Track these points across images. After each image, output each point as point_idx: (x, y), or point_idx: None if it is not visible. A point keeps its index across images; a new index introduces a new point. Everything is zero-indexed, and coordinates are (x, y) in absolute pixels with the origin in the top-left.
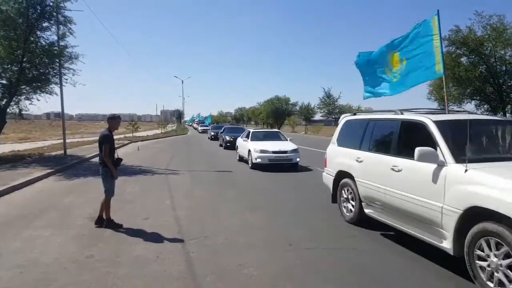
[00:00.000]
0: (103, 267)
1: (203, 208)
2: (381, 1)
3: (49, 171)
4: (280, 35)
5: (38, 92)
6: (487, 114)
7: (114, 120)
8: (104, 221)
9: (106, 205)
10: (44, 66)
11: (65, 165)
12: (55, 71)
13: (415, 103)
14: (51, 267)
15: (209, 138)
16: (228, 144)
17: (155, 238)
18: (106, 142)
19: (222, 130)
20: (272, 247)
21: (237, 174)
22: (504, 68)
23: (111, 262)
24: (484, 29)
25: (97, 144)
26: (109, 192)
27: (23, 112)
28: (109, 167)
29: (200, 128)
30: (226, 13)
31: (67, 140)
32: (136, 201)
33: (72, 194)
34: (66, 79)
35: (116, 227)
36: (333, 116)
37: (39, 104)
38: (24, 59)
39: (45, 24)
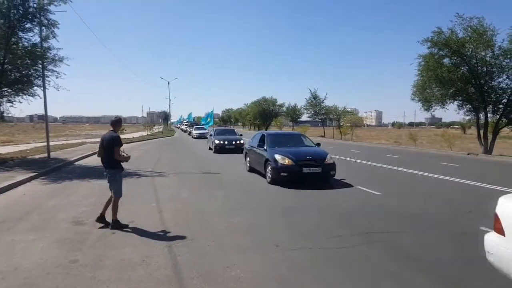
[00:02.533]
0: (87, 272)
1: (189, 209)
2: (369, 4)
3: (32, 174)
4: (268, 36)
5: (21, 94)
6: (469, 114)
7: (119, 123)
8: (104, 219)
9: (114, 207)
10: (26, 67)
11: (48, 168)
12: (38, 73)
13: (403, 102)
14: (34, 272)
15: (211, 148)
16: (284, 174)
17: (141, 241)
18: (118, 143)
19: (260, 141)
20: (259, 248)
21: None
22: (485, 69)
23: (96, 266)
24: (465, 31)
25: (81, 147)
26: (118, 192)
27: (5, 114)
28: (117, 168)
29: (195, 132)
30: (214, 15)
31: (51, 143)
32: (121, 204)
33: (55, 197)
34: (49, 82)
35: (123, 227)
36: (319, 117)
37: (22, 107)
38: (6, 61)
39: (28, 25)
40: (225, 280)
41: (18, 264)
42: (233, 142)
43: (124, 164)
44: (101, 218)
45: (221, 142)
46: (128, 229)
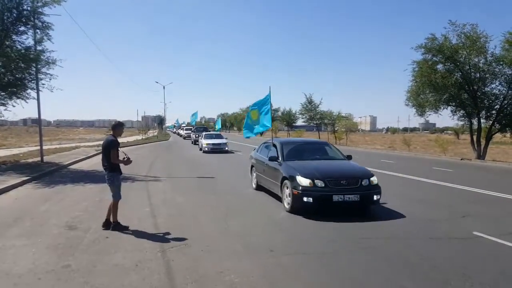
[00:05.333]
0: (79, 277)
1: (183, 215)
2: (371, 6)
3: (24, 178)
4: (262, 42)
5: (14, 97)
6: (463, 120)
7: (118, 127)
8: (111, 224)
9: (113, 209)
10: (20, 71)
11: (41, 173)
12: (31, 76)
13: (398, 108)
14: (25, 278)
15: (260, 186)
16: None
17: (134, 246)
18: (114, 147)
19: None
20: (253, 253)
21: None
22: (478, 75)
23: (88, 271)
24: (459, 37)
25: (75, 151)
26: (116, 195)
27: None
28: (115, 171)
29: (207, 143)
30: (208, 18)
31: (45, 147)
32: None
33: (48, 202)
34: (43, 84)
35: (123, 229)
36: (315, 122)
37: (15, 110)
38: None
39: (22, 28)
40: (219, 285)
41: (9, 269)
42: (354, 189)
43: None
44: (107, 223)
45: (321, 184)
46: (126, 232)
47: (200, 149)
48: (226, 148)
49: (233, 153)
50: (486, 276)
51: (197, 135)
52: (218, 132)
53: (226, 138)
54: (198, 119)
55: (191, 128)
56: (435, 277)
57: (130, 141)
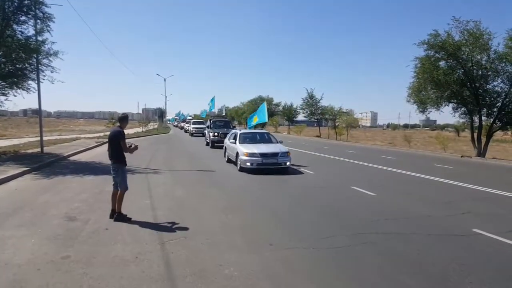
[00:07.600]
0: (79, 268)
1: (183, 208)
2: (369, 8)
3: (24, 169)
4: (265, 35)
5: (14, 87)
6: (464, 117)
7: (123, 119)
8: (121, 215)
9: (119, 199)
10: (20, 61)
11: (41, 163)
12: (32, 66)
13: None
14: (24, 268)
15: None
16: None
17: (134, 238)
18: (123, 138)
19: None
20: (252, 247)
21: None
22: (480, 72)
23: (88, 263)
24: (462, 34)
25: (75, 142)
26: (122, 186)
27: None
28: (121, 162)
29: (250, 154)
30: (210, 13)
31: (45, 138)
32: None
33: (48, 193)
34: (44, 76)
35: (127, 220)
36: (316, 117)
37: (16, 100)
38: (0, 53)
39: (23, 18)
40: (218, 278)
41: (8, 260)
42: None
43: None
44: (113, 214)
45: None
46: (126, 223)
47: (229, 161)
48: (288, 164)
49: (302, 173)
50: (485, 273)
51: (217, 134)
52: (265, 130)
53: (281, 142)
54: (198, 113)
55: (203, 122)
56: (434, 273)
57: (130, 134)
